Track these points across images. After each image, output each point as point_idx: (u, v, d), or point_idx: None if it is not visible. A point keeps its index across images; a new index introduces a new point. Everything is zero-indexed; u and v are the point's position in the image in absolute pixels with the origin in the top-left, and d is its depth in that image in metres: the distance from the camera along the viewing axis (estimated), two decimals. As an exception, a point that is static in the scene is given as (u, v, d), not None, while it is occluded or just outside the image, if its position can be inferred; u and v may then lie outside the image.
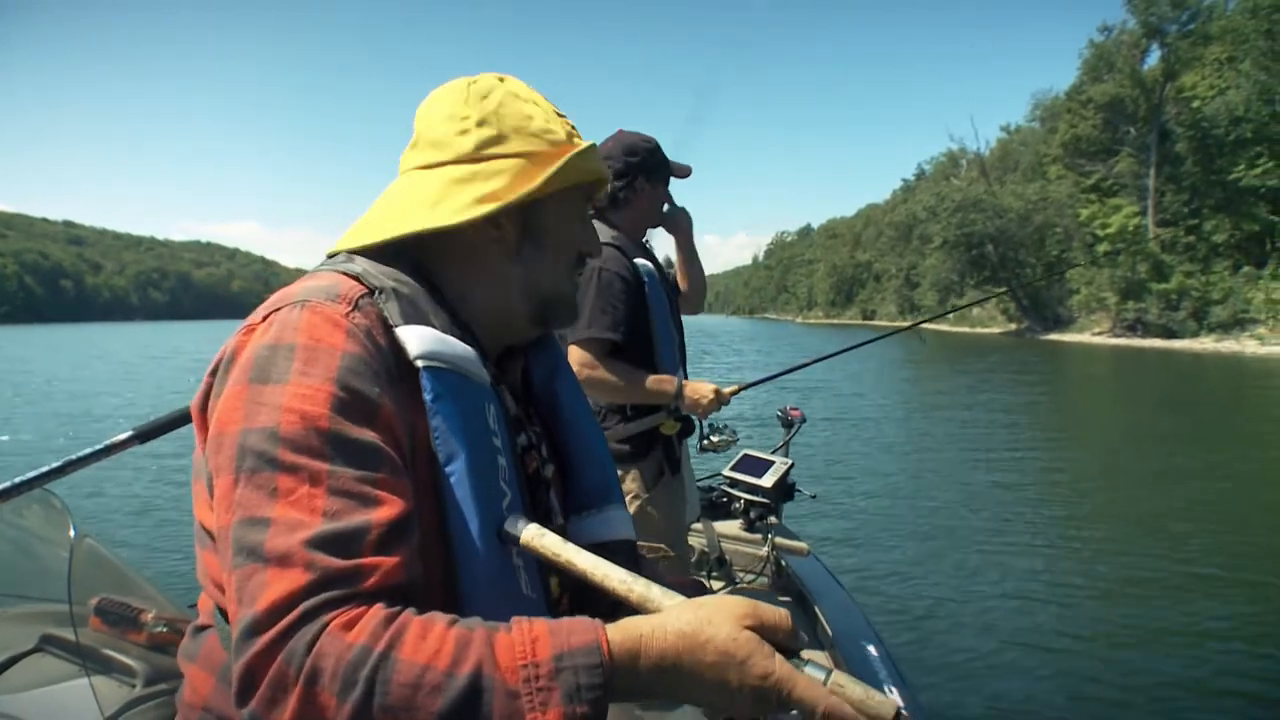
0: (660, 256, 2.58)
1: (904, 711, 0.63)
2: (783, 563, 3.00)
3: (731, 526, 3.10)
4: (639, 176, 2.33)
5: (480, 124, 0.91)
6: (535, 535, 0.78)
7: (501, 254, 0.94)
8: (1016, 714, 3.81)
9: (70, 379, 24.44)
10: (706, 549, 2.95)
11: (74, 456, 1.39)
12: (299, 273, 0.98)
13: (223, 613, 0.82)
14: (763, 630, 0.66)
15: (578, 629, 0.65)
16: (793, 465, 3.03)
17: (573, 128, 0.97)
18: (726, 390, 2.39)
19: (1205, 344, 33.39)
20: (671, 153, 2.43)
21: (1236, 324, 33.49)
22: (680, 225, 2.57)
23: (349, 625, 0.61)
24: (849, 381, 19.22)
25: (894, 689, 2.06)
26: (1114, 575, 5.74)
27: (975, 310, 52.35)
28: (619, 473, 1.93)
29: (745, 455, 3.10)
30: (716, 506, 3.41)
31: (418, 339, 0.81)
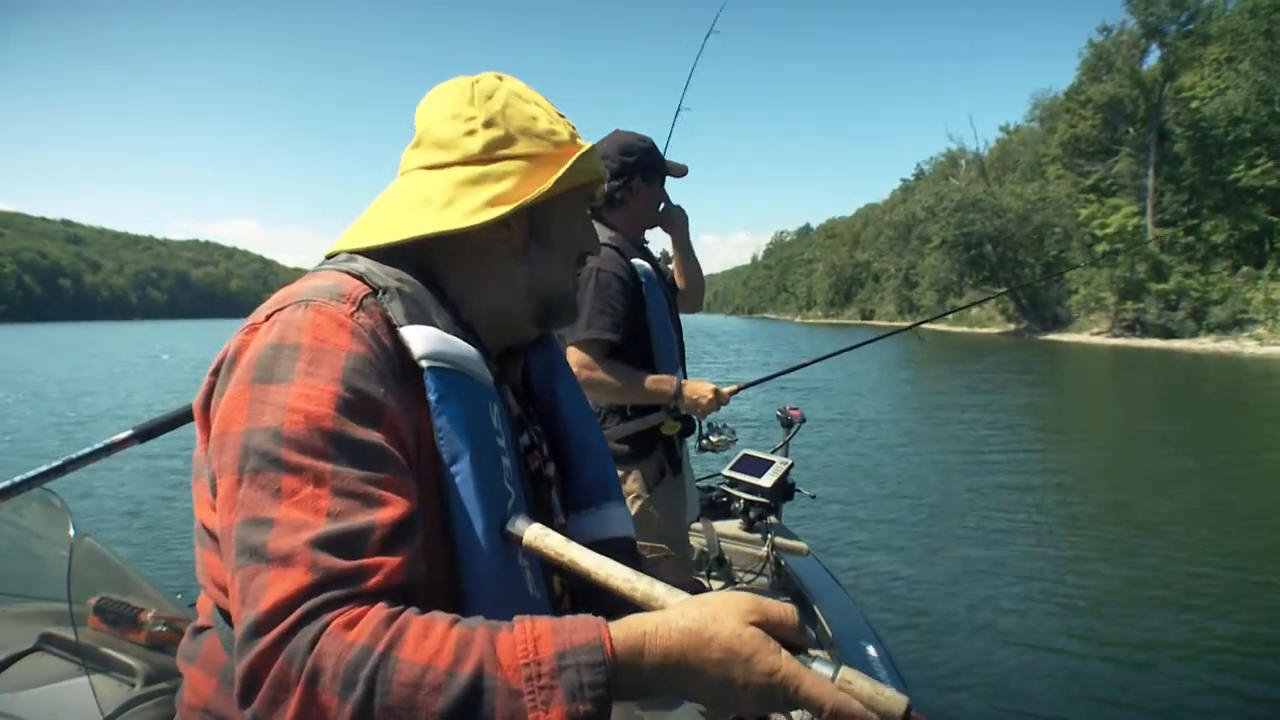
0: (657, 253, 2.58)
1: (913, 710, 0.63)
2: (782, 563, 3.00)
3: (731, 526, 3.10)
4: (635, 176, 2.33)
5: (487, 125, 0.91)
6: (538, 535, 0.78)
7: (509, 255, 0.94)
8: (1015, 714, 3.82)
9: (69, 378, 24.41)
10: (706, 549, 2.95)
11: (74, 455, 1.39)
12: (298, 272, 0.97)
13: (223, 613, 0.82)
14: (768, 626, 0.66)
15: (580, 627, 0.64)
16: (792, 465, 3.04)
17: (574, 128, 0.97)
18: (726, 390, 2.39)
19: (1204, 344, 33.43)
20: (660, 145, 2.43)
21: (1235, 324, 33.53)
22: (677, 224, 2.57)
23: (350, 625, 0.61)
24: (848, 381, 19.23)
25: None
26: (1113, 575, 5.75)
27: (974, 310, 52.37)
28: (620, 473, 1.93)
29: (745, 455, 3.10)
30: (716, 506, 3.41)
31: (422, 339, 0.81)
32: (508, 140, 0.91)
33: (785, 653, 0.65)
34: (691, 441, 2.61)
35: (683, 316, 2.58)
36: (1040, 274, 43.49)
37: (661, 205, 2.49)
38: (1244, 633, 4.68)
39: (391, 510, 0.69)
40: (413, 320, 0.82)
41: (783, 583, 2.99)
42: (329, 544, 0.65)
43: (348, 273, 0.84)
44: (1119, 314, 38.94)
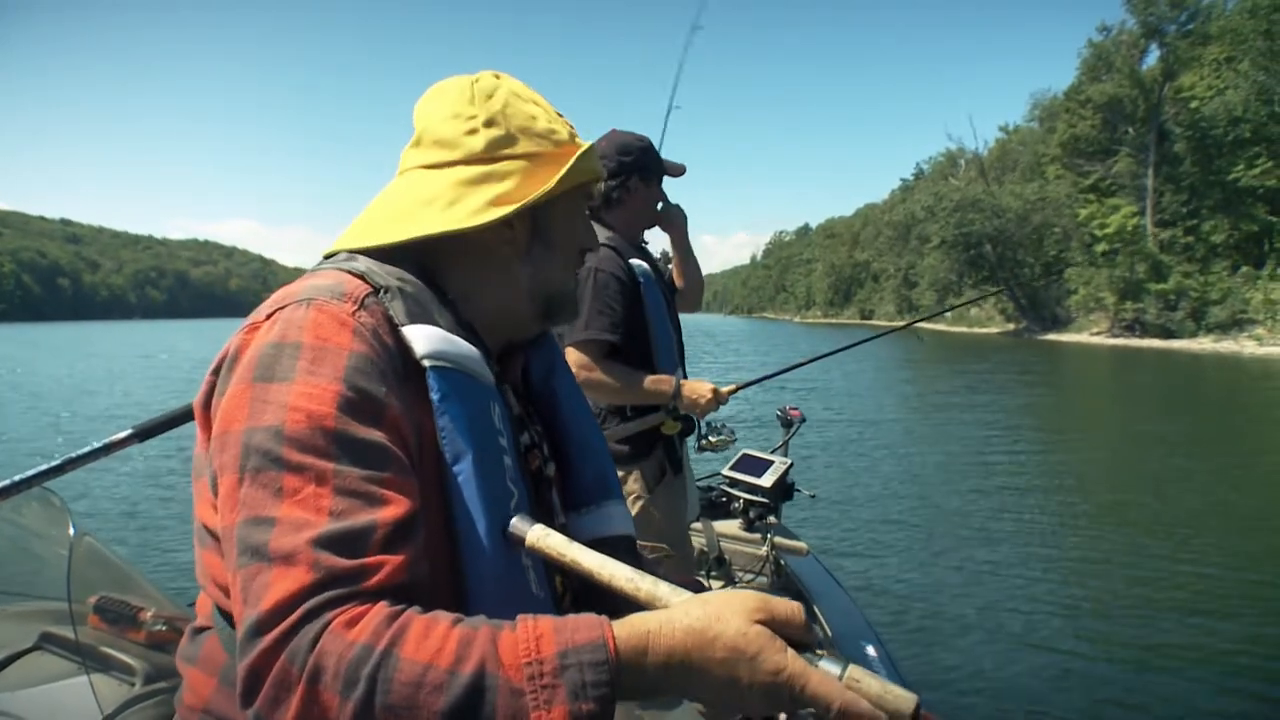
0: (656, 253, 2.58)
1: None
2: (782, 562, 3.00)
3: (731, 526, 3.10)
4: (633, 176, 2.33)
5: (488, 124, 0.91)
6: (540, 535, 0.77)
7: (512, 254, 0.94)
8: (1015, 714, 3.82)
9: (68, 377, 24.40)
10: (706, 549, 2.95)
11: (73, 455, 1.39)
12: (297, 271, 0.97)
13: (223, 613, 0.81)
14: (774, 625, 0.65)
15: (583, 626, 0.64)
16: (792, 465, 3.04)
17: (572, 127, 0.97)
18: (725, 389, 2.39)
19: (1203, 344, 33.43)
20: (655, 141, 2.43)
21: (1235, 324, 33.51)
22: (676, 223, 2.57)
23: (352, 624, 0.61)
24: (848, 381, 19.23)
25: None
26: (1112, 575, 5.75)
27: (973, 310, 52.38)
28: (620, 473, 1.93)
29: (744, 455, 3.10)
30: (716, 506, 3.41)
31: (424, 338, 0.81)
32: (509, 139, 0.91)
33: (791, 651, 0.64)
34: (691, 441, 2.61)
35: (682, 316, 2.58)
36: (1039, 274, 43.43)
37: (660, 205, 2.48)
38: (1244, 633, 4.68)
39: (394, 509, 0.69)
40: (414, 319, 0.82)
41: (782, 582, 2.98)
42: (331, 543, 0.64)
43: (348, 272, 0.84)
44: (1118, 314, 38.93)
